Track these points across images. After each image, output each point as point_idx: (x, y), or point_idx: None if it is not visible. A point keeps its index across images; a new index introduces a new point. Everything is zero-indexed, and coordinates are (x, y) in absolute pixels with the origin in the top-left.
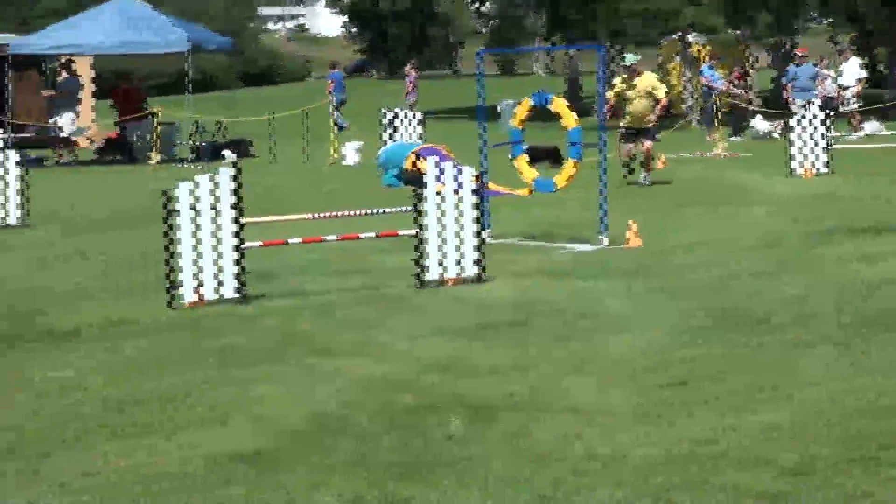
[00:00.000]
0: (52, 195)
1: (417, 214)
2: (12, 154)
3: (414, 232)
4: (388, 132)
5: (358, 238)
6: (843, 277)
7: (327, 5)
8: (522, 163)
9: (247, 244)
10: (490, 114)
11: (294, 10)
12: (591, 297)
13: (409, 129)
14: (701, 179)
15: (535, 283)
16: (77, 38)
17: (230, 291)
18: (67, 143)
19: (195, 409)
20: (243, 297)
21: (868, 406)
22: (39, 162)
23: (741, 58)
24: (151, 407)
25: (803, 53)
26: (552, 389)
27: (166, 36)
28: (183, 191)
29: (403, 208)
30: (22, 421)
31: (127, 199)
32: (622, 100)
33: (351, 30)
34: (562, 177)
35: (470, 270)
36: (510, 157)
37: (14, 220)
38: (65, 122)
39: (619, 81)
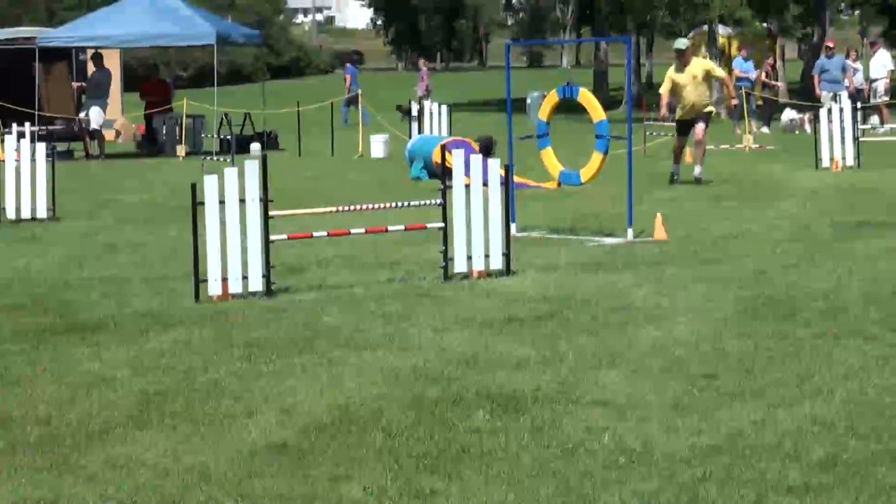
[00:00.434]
0: (80, 188)
1: (444, 207)
2: (41, 147)
3: (441, 225)
4: (415, 125)
5: (384, 231)
6: (873, 271)
7: None
8: (549, 155)
9: (273, 237)
10: (518, 106)
11: (321, 2)
12: (619, 290)
13: (436, 122)
14: (729, 172)
15: (562, 276)
16: (105, 31)
17: (257, 285)
18: (96, 135)
19: (222, 402)
20: (270, 291)
21: None
22: (68, 155)
23: (771, 50)
24: (179, 399)
25: (832, 45)
26: (581, 382)
27: (194, 29)
28: (210, 184)
29: (430, 201)
30: (51, 413)
31: (154, 191)
32: (675, 90)
33: (378, 22)
34: (588, 170)
35: (496, 263)
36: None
37: (42, 213)
38: (94, 115)
39: (670, 71)
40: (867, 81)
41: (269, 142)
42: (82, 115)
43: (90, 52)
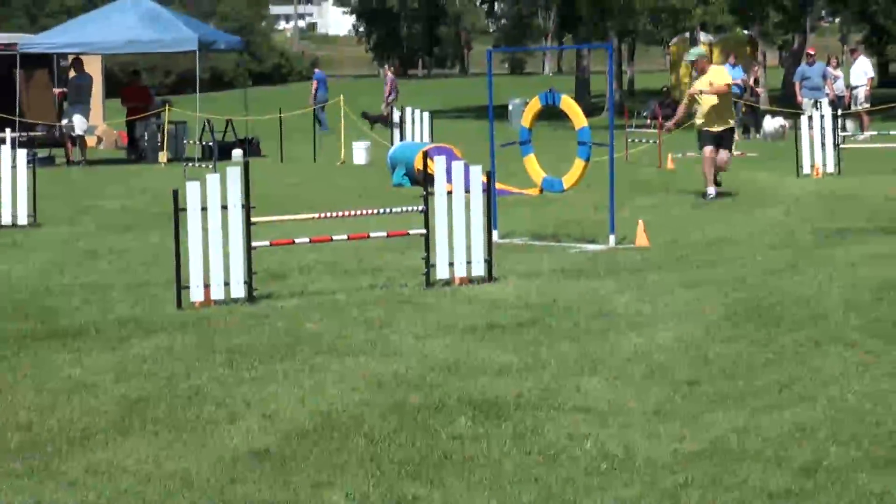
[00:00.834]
0: (61, 194)
1: (426, 214)
2: (21, 153)
3: (423, 231)
4: (397, 131)
5: (367, 237)
6: (854, 278)
7: (337, 4)
8: (532, 162)
9: (255, 244)
10: (499, 113)
11: (304, 8)
12: (601, 297)
13: (417, 129)
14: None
15: (544, 283)
16: (87, 37)
17: (239, 291)
18: (79, 141)
19: (204, 408)
20: (252, 297)
21: (881, 406)
22: (49, 161)
23: (752, 57)
24: (161, 406)
25: (813, 52)
26: (563, 389)
27: (176, 35)
28: (192, 190)
29: (412, 208)
30: (32, 419)
31: (136, 198)
32: (694, 99)
33: (360, 29)
34: (571, 176)
35: (478, 270)
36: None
37: (23, 219)
38: (77, 121)
39: (697, 82)
40: (848, 89)
41: (251, 148)
42: (65, 121)
43: (69, 59)
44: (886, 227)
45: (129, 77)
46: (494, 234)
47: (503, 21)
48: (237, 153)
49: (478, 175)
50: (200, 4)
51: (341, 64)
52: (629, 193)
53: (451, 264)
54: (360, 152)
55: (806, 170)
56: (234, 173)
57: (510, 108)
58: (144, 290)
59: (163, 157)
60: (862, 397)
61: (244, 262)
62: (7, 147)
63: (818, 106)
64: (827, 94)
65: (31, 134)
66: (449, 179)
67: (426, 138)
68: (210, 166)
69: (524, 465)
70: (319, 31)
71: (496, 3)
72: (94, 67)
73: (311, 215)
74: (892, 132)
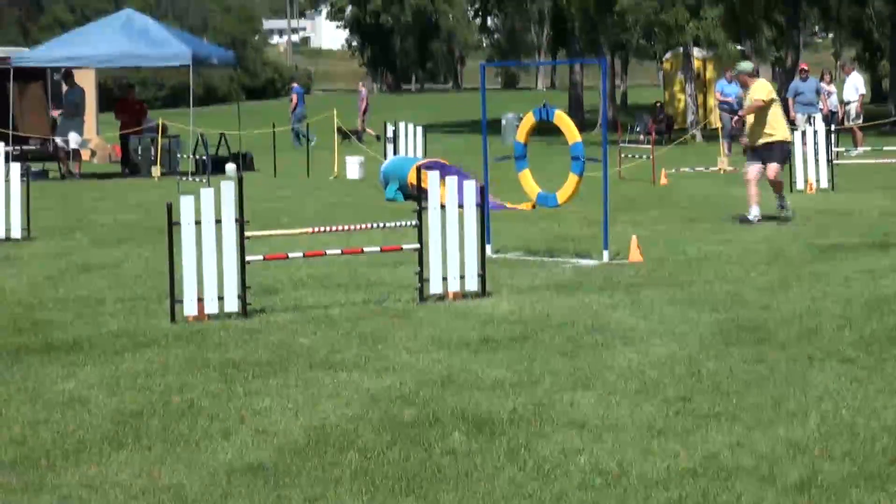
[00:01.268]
0: (55, 208)
1: (419, 229)
2: (15, 167)
3: (416, 246)
4: (390, 146)
5: (360, 252)
6: (847, 293)
7: (330, 19)
8: (527, 177)
9: (249, 258)
10: (493, 128)
11: (297, 23)
12: (594, 312)
13: (411, 143)
14: (704, 195)
15: (537, 298)
16: (80, 51)
17: (232, 305)
18: (74, 155)
19: (197, 423)
20: (245, 311)
21: (874, 422)
22: (43, 175)
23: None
24: (154, 420)
25: (806, 68)
26: (556, 404)
27: (169, 49)
28: (186, 204)
29: (406, 222)
30: (25, 433)
31: (129, 212)
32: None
33: (353, 43)
34: (565, 192)
35: (472, 285)
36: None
37: (17, 233)
38: (72, 136)
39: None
40: (841, 104)
41: (245, 163)
42: (58, 138)
43: (61, 72)
44: (880, 242)
45: (122, 91)
46: (488, 248)
47: (496, 36)
48: (231, 167)
49: (471, 189)
50: (193, 19)
51: (335, 78)
52: (622, 209)
53: (444, 279)
54: (353, 167)
55: (799, 185)
56: (227, 187)
57: (503, 122)
58: (138, 304)
59: (156, 171)
60: (855, 413)
61: (238, 276)
62: (0, 161)
63: (812, 121)
64: (820, 110)
65: (25, 148)
66: (443, 177)
67: (419, 153)
68: (204, 180)
69: (518, 480)
70: (313, 45)
71: (489, 18)
72: (87, 81)
73: (304, 230)
74: (885, 148)
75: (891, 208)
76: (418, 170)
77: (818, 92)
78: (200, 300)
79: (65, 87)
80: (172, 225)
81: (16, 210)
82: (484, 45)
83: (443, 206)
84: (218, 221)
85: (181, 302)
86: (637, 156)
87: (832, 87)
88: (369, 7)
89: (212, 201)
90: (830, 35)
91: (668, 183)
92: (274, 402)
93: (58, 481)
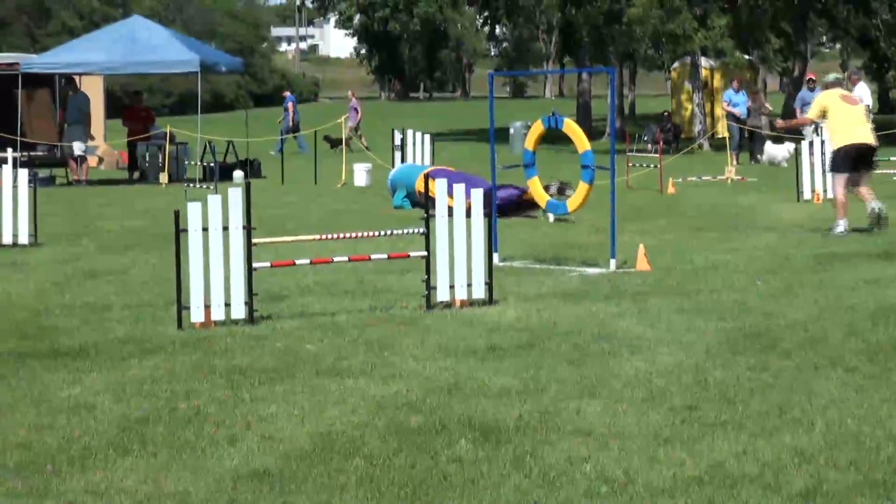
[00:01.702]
0: (62, 214)
1: (427, 236)
2: (23, 173)
3: (423, 254)
4: (398, 154)
5: (367, 259)
6: (853, 302)
7: (339, 27)
8: (536, 185)
9: (256, 265)
10: (500, 136)
11: (305, 30)
12: (601, 320)
13: (419, 151)
14: (710, 204)
15: (544, 306)
16: (88, 57)
17: (239, 312)
18: (79, 161)
19: (204, 429)
20: (252, 318)
21: (879, 431)
22: (50, 181)
23: (753, 81)
24: (160, 426)
25: (813, 78)
26: (563, 412)
27: (177, 56)
28: (193, 211)
29: (413, 230)
30: (31, 438)
31: (136, 218)
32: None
33: (362, 51)
34: (574, 200)
35: (479, 293)
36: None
37: (24, 238)
38: (74, 143)
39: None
40: None
41: (252, 169)
42: (66, 145)
43: (64, 79)
44: (884, 252)
45: (130, 98)
46: (495, 256)
47: (504, 44)
48: (238, 174)
49: (479, 197)
50: (201, 26)
51: (343, 86)
52: (630, 217)
53: (451, 287)
54: (360, 174)
55: (806, 195)
56: (235, 194)
57: (511, 131)
58: (144, 311)
59: (164, 177)
60: (861, 422)
61: (245, 283)
62: (8, 167)
63: (819, 131)
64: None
65: (33, 154)
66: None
67: (427, 161)
68: (211, 187)
69: (523, 487)
70: (321, 53)
71: (497, 27)
72: (95, 88)
73: (311, 237)
74: (892, 158)
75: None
76: (426, 177)
77: None
78: (207, 307)
79: (71, 94)
80: (180, 232)
81: (23, 216)
82: (492, 53)
83: (450, 214)
84: (225, 228)
85: (188, 308)
86: (644, 165)
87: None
88: (377, 15)
89: (219, 208)
90: (838, 45)
91: (676, 192)
92: (280, 408)
93: (63, 487)
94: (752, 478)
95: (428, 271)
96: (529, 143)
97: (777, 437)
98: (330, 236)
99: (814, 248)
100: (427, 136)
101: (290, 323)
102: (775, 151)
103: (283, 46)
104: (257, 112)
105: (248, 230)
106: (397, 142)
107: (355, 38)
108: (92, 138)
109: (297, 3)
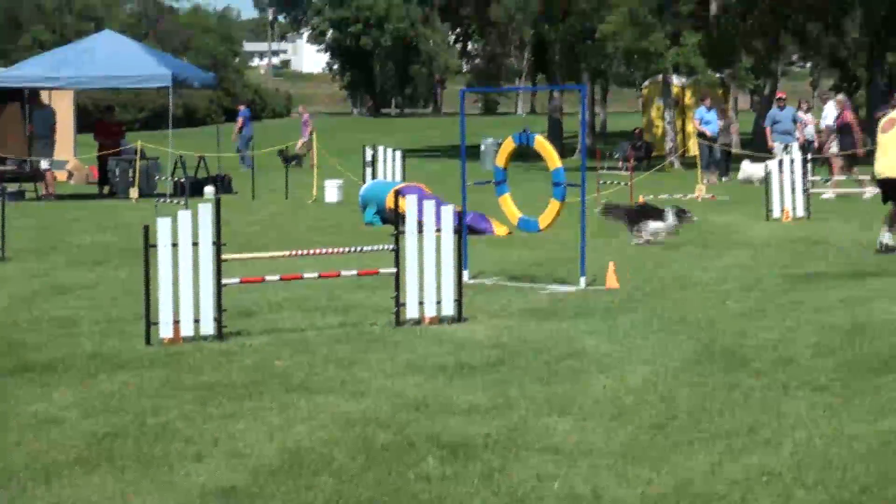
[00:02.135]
0: (30, 229)
1: (397, 253)
2: None
3: (393, 270)
4: (369, 170)
5: (337, 276)
6: (822, 322)
7: (311, 42)
8: (507, 202)
9: (226, 281)
10: (472, 153)
11: (278, 46)
12: (571, 338)
13: (390, 167)
14: None
15: (514, 323)
16: (59, 72)
17: (209, 328)
18: (45, 176)
19: (172, 445)
20: (222, 334)
21: (847, 451)
22: (19, 195)
23: (724, 100)
24: (128, 442)
25: (784, 97)
26: (532, 429)
27: (148, 70)
28: (163, 226)
29: (383, 246)
30: None
31: (106, 233)
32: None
33: (334, 66)
34: (546, 217)
35: (448, 310)
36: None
37: None
38: (42, 155)
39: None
40: (818, 133)
41: (223, 185)
42: (35, 159)
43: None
44: (855, 271)
45: (101, 112)
46: (465, 273)
47: (477, 61)
48: (209, 190)
49: (449, 214)
50: (174, 41)
51: (316, 101)
52: (600, 235)
53: (421, 303)
54: (331, 190)
55: (776, 213)
56: (205, 210)
57: (482, 148)
58: (113, 326)
59: (134, 192)
60: (829, 441)
61: (214, 299)
62: None
63: (788, 150)
64: (797, 139)
65: (1, 168)
66: (420, 217)
67: (398, 177)
68: (182, 203)
69: None
70: (294, 68)
71: (469, 43)
72: (65, 102)
73: (281, 253)
74: (861, 178)
75: (863, 237)
76: (396, 194)
77: (795, 121)
78: (176, 322)
79: (36, 109)
80: (149, 247)
81: None
82: (464, 69)
83: (420, 232)
84: (195, 244)
85: (157, 324)
86: (615, 182)
87: (809, 117)
88: (350, 30)
89: (189, 223)
90: (808, 64)
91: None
92: (249, 424)
93: (31, 503)
94: (720, 496)
95: (397, 288)
96: (500, 160)
97: (745, 456)
98: (300, 252)
99: (784, 267)
100: (398, 153)
101: (260, 339)
102: (752, 170)
103: (257, 61)
104: (229, 126)
105: (218, 246)
106: (368, 158)
107: (328, 54)
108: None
109: (270, 18)
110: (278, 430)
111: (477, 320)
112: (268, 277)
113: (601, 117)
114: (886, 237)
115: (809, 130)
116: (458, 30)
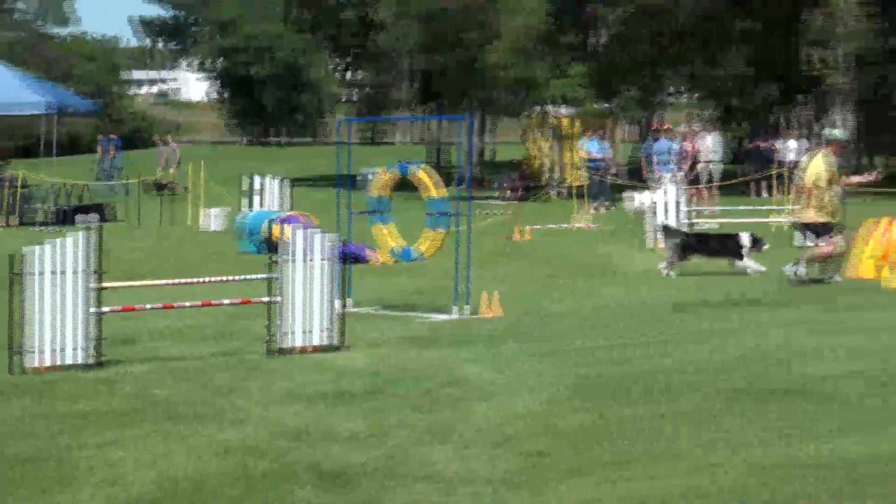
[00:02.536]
0: None
1: (274, 281)
2: None
3: (269, 299)
4: (256, 199)
5: (215, 305)
6: (702, 351)
7: (193, 70)
8: (380, 231)
9: (105, 309)
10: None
11: (167, 74)
12: (452, 366)
13: (274, 197)
14: (562, 252)
15: (394, 351)
16: None
17: (87, 356)
18: None
19: (42, 474)
20: (100, 362)
21: (711, 483)
22: None
23: (608, 130)
24: None
25: (663, 128)
26: (411, 457)
27: (24, 97)
28: (29, 255)
29: (265, 275)
30: None
31: None
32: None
33: (221, 95)
34: (427, 245)
35: (327, 338)
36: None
37: None
38: None
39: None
40: (695, 164)
41: (107, 212)
42: None
43: None
44: (731, 301)
45: None
46: (348, 301)
47: (367, 89)
48: (84, 218)
49: (324, 243)
50: (57, 69)
51: (200, 129)
52: (481, 263)
53: (300, 332)
54: (214, 219)
55: (650, 244)
56: (82, 237)
57: (364, 178)
58: None
59: (12, 220)
60: (713, 468)
61: (93, 326)
62: None
63: (665, 181)
64: (675, 170)
65: None
66: (304, 247)
67: (287, 206)
68: (60, 230)
69: None
70: (183, 96)
71: (351, 72)
72: None
73: (162, 281)
74: (739, 207)
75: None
76: (270, 223)
77: (671, 151)
78: (53, 351)
79: None
80: (14, 275)
81: None
82: (344, 98)
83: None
84: (62, 273)
85: (23, 353)
86: (496, 213)
87: (688, 146)
88: (236, 59)
89: (70, 251)
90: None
91: (527, 239)
92: (127, 453)
93: None
94: None
95: (270, 317)
96: (375, 190)
97: (625, 485)
98: (180, 281)
99: (663, 296)
100: (287, 182)
101: (140, 367)
102: (643, 199)
103: (145, 89)
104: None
105: (99, 273)
106: (245, 187)
107: (217, 82)
108: None
109: (149, 46)
110: (155, 459)
111: (357, 348)
112: (148, 306)
113: (490, 147)
114: (802, 268)
115: (687, 161)
116: (338, 60)
